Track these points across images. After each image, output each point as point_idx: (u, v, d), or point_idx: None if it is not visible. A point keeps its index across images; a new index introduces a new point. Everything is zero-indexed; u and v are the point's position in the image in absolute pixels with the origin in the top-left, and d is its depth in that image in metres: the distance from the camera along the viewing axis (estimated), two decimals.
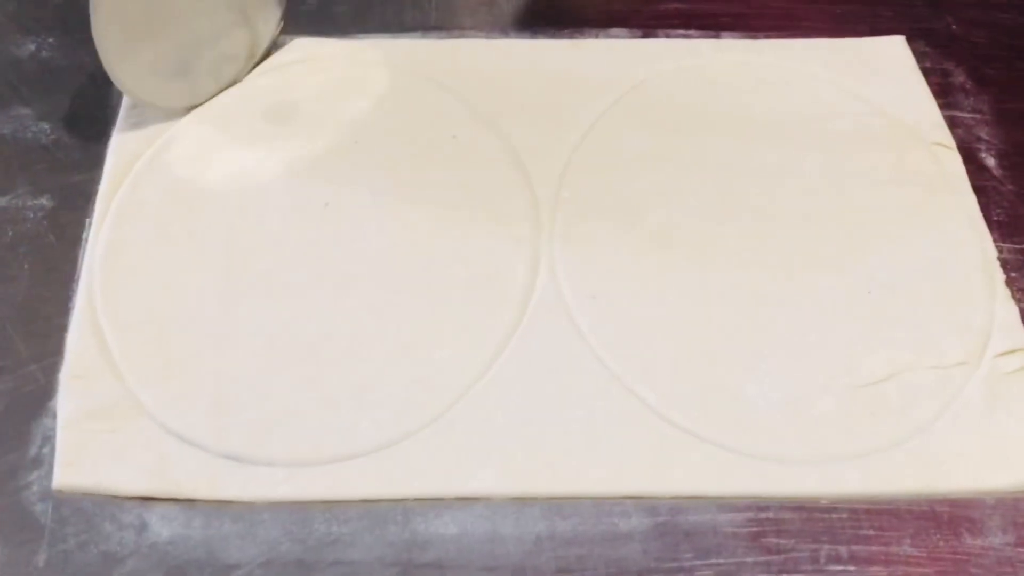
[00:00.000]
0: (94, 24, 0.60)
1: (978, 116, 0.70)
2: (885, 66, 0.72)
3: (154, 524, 0.52)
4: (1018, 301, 0.61)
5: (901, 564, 0.52)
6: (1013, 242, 0.64)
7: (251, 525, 0.52)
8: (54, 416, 0.54)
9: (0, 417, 0.55)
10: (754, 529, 0.53)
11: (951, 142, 0.68)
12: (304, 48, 0.71)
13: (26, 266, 0.60)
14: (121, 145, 0.65)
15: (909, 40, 0.74)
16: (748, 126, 0.68)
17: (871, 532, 0.53)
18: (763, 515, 0.53)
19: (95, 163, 0.64)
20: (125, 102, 0.67)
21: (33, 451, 0.54)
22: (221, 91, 0.68)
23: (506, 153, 0.66)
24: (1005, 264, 0.62)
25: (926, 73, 0.72)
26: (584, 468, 0.54)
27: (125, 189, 0.63)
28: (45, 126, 0.67)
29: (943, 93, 0.71)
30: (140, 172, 0.64)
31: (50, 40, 0.71)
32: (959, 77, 0.72)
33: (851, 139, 0.68)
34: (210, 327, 0.58)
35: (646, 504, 0.53)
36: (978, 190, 0.66)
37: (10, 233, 0.62)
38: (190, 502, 0.52)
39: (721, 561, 0.52)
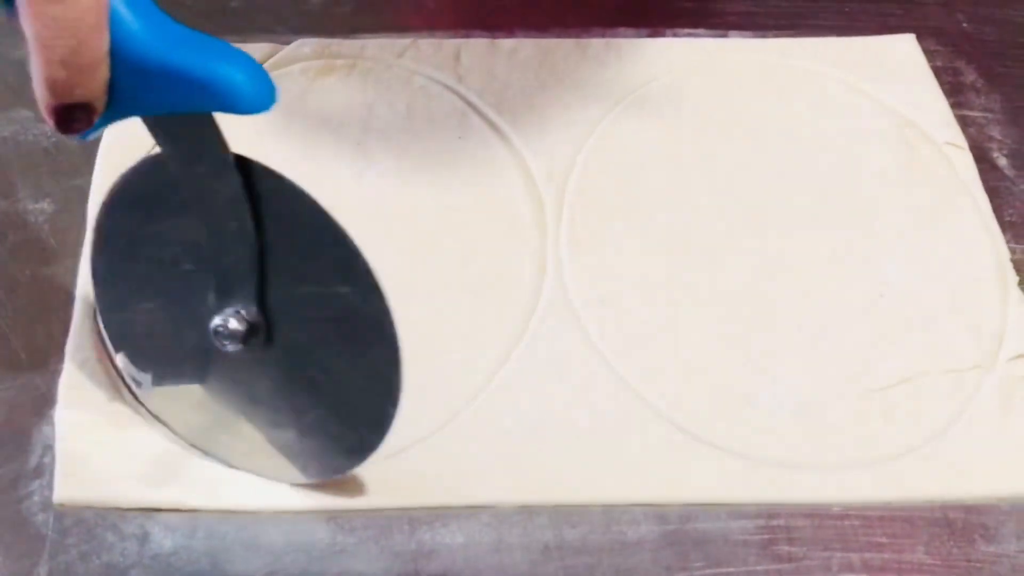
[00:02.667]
0: None
1: (990, 115, 0.70)
2: (895, 65, 0.72)
3: (157, 535, 0.51)
4: None
5: (914, 571, 0.51)
6: None
7: (255, 535, 0.51)
8: (55, 425, 0.54)
9: (0, 426, 0.54)
10: (765, 537, 0.52)
11: (963, 142, 0.67)
12: (307, 48, 0.70)
13: (27, 271, 0.60)
14: (114, 150, 0.64)
15: (919, 38, 0.73)
16: (757, 126, 0.68)
17: (884, 539, 0.52)
18: (774, 522, 0.53)
19: None
20: None
21: (34, 461, 0.53)
22: None
23: (512, 154, 0.66)
24: (1018, 266, 0.62)
25: (937, 72, 0.71)
26: (593, 475, 0.53)
27: None
28: (46, 128, 0.65)
29: (954, 92, 0.70)
30: None
31: None
32: (970, 76, 0.72)
33: (861, 139, 0.67)
34: None
35: (656, 512, 0.53)
36: (990, 190, 0.65)
37: (11, 238, 0.61)
38: (193, 512, 0.52)
39: (732, 569, 0.51)
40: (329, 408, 0.49)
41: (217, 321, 0.47)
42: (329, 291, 0.46)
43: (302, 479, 0.52)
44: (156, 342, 0.52)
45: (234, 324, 0.47)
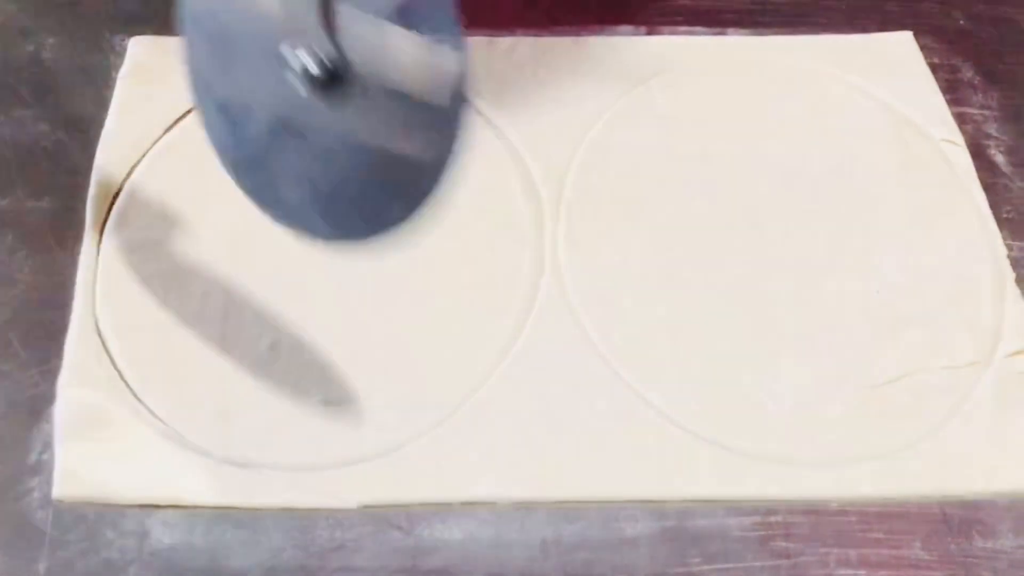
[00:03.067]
0: None
1: (987, 112, 0.70)
2: (893, 62, 0.72)
3: (156, 531, 0.51)
4: None
5: (911, 568, 0.52)
6: (1023, 240, 0.63)
7: (254, 532, 0.51)
8: (54, 422, 0.54)
9: None
10: (763, 533, 0.52)
11: (960, 139, 0.67)
12: None
13: (26, 269, 0.60)
14: (113, 147, 0.64)
15: (917, 36, 0.73)
16: (755, 124, 0.68)
17: (881, 535, 0.53)
18: (772, 519, 0.53)
19: None
20: (114, 104, 0.66)
21: (33, 457, 0.53)
22: None
23: (509, 153, 0.66)
24: (1015, 262, 0.62)
25: (934, 69, 0.71)
26: (590, 472, 0.54)
27: (126, 191, 0.63)
28: (45, 127, 0.66)
29: (951, 89, 0.70)
30: (141, 174, 0.63)
31: (50, 41, 0.70)
32: (968, 73, 0.72)
33: (859, 136, 0.67)
34: (212, 331, 0.57)
35: (653, 508, 0.53)
36: (987, 187, 0.65)
37: (10, 236, 0.61)
38: (192, 509, 0.52)
39: (729, 566, 0.51)
40: (390, 159, 0.47)
41: (288, 53, 0.44)
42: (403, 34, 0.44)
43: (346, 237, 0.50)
44: (235, 81, 0.47)
45: (306, 58, 0.44)
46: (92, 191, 0.62)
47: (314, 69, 0.44)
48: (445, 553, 0.51)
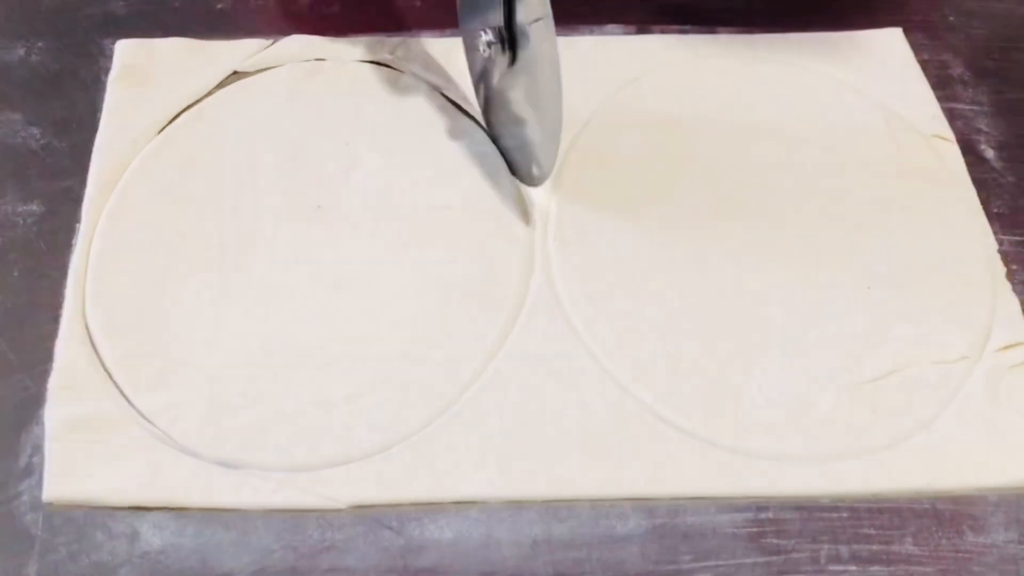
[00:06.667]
0: None
1: (977, 108, 0.70)
2: (883, 59, 0.72)
3: (146, 533, 0.51)
4: (1019, 294, 0.60)
5: (903, 563, 0.52)
6: (1013, 234, 0.63)
7: (244, 533, 0.51)
8: (45, 424, 0.54)
9: None
10: (753, 530, 0.52)
11: (950, 134, 0.67)
12: (295, 48, 0.70)
13: (16, 273, 0.60)
14: (107, 151, 0.64)
15: (906, 32, 0.73)
16: (745, 122, 0.68)
17: (872, 531, 0.53)
18: (763, 515, 0.53)
19: (85, 168, 0.64)
20: (106, 107, 0.66)
21: (24, 460, 0.53)
22: None
23: (500, 152, 0.66)
24: (1006, 257, 0.62)
25: (924, 65, 0.71)
26: (581, 470, 0.54)
27: (116, 194, 0.63)
28: (35, 131, 0.66)
29: (941, 85, 0.70)
30: (131, 176, 0.63)
31: (40, 45, 0.70)
32: (957, 69, 0.72)
33: (849, 133, 0.67)
34: (202, 332, 0.57)
35: (644, 506, 0.53)
36: (978, 182, 0.65)
37: (0, 239, 0.61)
38: (182, 510, 0.52)
39: (720, 563, 0.51)
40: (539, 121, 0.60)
41: (481, 32, 0.60)
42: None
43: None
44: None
45: (488, 36, 0.60)
46: (87, 193, 0.62)
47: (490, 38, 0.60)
48: (436, 552, 0.51)
